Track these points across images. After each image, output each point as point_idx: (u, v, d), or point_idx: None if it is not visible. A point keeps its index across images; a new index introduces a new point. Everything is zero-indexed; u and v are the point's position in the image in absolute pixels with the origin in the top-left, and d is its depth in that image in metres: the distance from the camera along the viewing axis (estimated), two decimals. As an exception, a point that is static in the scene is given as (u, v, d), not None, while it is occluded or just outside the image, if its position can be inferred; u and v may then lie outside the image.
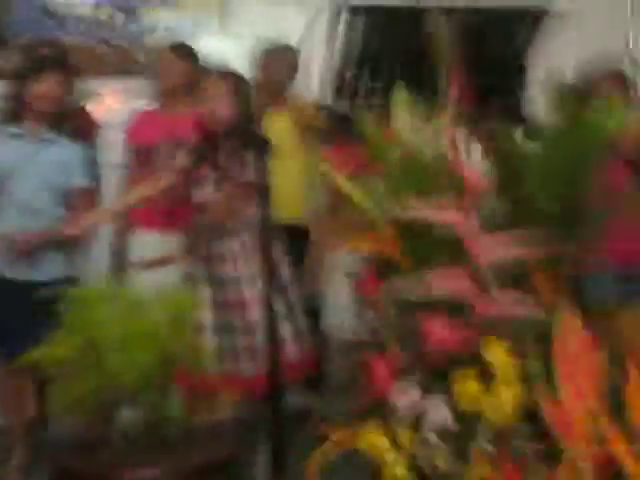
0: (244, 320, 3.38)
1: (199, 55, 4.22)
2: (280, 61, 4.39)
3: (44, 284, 3.47)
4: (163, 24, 4.69)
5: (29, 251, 3.56)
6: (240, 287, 3.42)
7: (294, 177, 4.13)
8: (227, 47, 4.74)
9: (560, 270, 2.37)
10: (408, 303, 2.32)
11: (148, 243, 3.92)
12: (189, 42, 4.59)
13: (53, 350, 2.58)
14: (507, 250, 2.27)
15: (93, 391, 2.46)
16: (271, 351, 2.70)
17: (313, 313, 3.90)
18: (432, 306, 2.28)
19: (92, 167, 3.83)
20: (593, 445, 1.95)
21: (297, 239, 3.94)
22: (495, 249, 2.27)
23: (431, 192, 2.31)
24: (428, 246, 2.32)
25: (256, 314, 3.35)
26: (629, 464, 1.90)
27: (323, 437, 2.37)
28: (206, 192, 3.48)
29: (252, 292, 3.41)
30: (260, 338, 3.34)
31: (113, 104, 4.71)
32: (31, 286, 3.52)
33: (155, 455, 2.66)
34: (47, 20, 4.67)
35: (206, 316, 3.34)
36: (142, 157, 4.03)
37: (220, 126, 3.47)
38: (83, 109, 4.20)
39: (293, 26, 4.57)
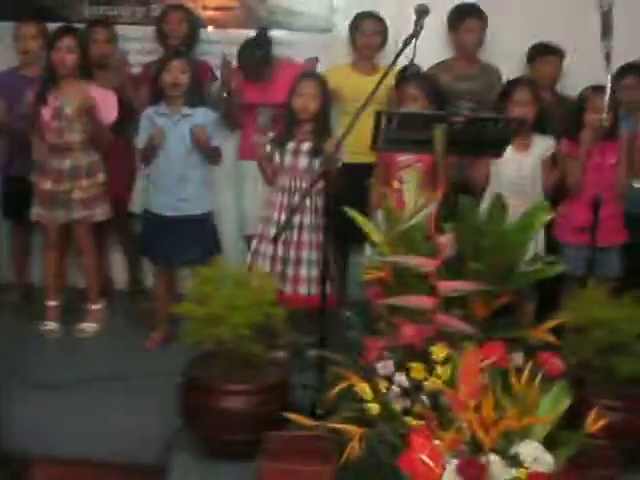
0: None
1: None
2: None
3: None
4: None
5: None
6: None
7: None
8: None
9: (489, 301, 3.98)
10: (395, 310, 3.95)
11: None
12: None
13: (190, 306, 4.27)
14: (457, 286, 3.88)
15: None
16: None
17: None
18: (408, 313, 3.90)
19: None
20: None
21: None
22: (450, 285, 3.88)
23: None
24: (410, 280, 3.95)
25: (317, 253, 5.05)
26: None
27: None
28: None
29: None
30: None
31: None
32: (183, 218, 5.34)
33: (243, 373, 4.30)
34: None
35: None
36: None
37: None
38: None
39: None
